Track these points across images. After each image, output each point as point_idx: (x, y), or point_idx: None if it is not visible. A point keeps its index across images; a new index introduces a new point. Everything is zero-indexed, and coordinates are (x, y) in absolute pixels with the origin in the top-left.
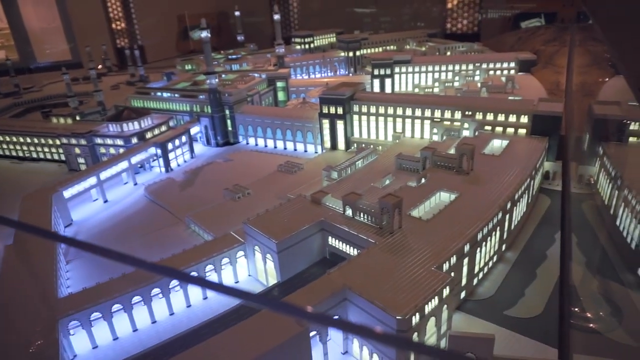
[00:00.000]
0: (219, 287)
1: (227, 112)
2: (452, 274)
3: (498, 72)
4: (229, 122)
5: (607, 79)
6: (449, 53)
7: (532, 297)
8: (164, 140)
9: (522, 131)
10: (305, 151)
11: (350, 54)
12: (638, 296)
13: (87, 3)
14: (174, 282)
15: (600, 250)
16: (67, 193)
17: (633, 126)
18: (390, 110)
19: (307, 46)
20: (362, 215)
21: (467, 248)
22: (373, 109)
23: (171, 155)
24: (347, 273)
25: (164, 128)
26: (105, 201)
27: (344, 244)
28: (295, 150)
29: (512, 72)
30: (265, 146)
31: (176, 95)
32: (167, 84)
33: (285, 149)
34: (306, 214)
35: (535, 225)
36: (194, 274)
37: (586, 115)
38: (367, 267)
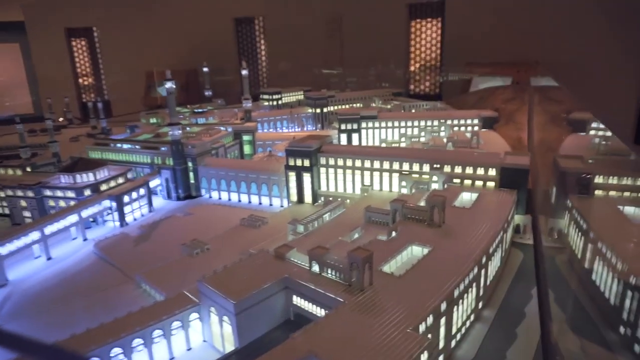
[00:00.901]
0: None
1: (190, 164)
2: (429, 335)
3: (462, 129)
4: (191, 174)
5: (565, 136)
6: (413, 111)
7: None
8: (119, 192)
9: (491, 184)
10: (271, 205)
11: (318, 110)
12: (623, 357)
13: (56, 59)
14: (117, 351)
15: (579, 306)
16: (4, 250)
17: (597, 179)
18: (358, 163)
19: (274, 102)
20: (329, 271)
21: (444, 306)
22: (340, 162)
23: (127, 209)
24: (313, 337)
25: (121, 180)
26: (49, 258)
27: (310, 304)
28: (260, 203)
29: (476, 128)
30: (229, 200)
31: (137, 146)
32: (129, 136)
33: (249, 202)
34: (269, 271)
35: (511, 280)
36: (139, 340)
37: (551, 169)
38: (336, 329)
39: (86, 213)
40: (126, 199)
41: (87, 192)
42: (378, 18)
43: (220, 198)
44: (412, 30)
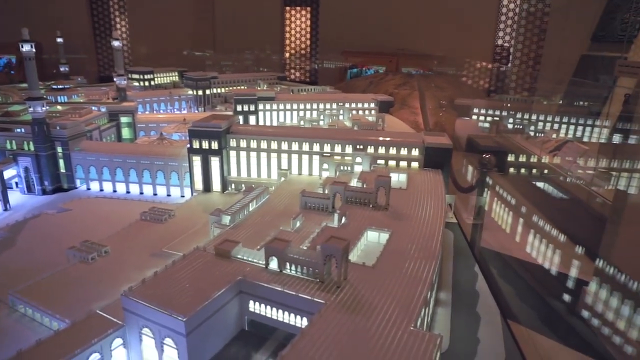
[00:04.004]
0: None
1: (60, 149)
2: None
3: (360, 112)
4: (61, 162)
5: (453, 120)
6: (304, 93)
7: (488, 342)
8: None
9: (415, 164)
10: (169, 195)
11: (200, 92)
12: (573, 322)
13: None
14: None
15: (520, 279)
16: None
17: (510, 158)
18: (274, 145)
19: (146, 83)
20: (293, 268)
21: (429, 295)
22: (254, 144)
23: None
24: (306, 352)
25: None
26: None
27: (274, 309)
28: (155, 194)
29: (373, 112)
30: (115, 191)
31: None
32: None
33: (141, 193)
34: (214, 274)
35: (451, 260)
36: None
37: (464, 149)
38: (330, 338)
39: None
40: None
41: None
42: (253, 2)
43: (102, 190)
44: (287, 16)
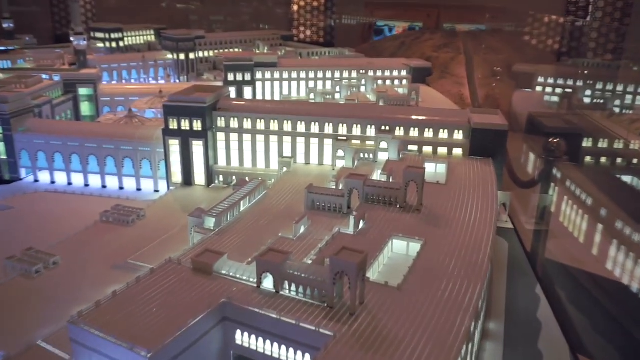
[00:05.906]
0: None
1: None
2: None
3: (388, 82)
4: (1, 145)
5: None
6: (316, 58)
7: None
8: None
9: (458, 151)
10: (139, 189)
11: (182, 56)
12: None
13: None
14: None
15: (598, 305)
16: None
17: (586, 142)
18: (274, 125)
19: (113, 44)
20: (293, 288)
21: (473, 326)
22: (248, 124)
23: None
24: None
25: None
26: None
27: (267, 342)
28: (121, 188)
29: (405, 82)
30: (69, 184)
31: None
32: None
33: (104, 187)
34: (191, 295)
35: (505, 279)
36: None
37: (524, 132)
38: None
39: None
40: None
41: None
42: None
43: (53, 182)
44: None
